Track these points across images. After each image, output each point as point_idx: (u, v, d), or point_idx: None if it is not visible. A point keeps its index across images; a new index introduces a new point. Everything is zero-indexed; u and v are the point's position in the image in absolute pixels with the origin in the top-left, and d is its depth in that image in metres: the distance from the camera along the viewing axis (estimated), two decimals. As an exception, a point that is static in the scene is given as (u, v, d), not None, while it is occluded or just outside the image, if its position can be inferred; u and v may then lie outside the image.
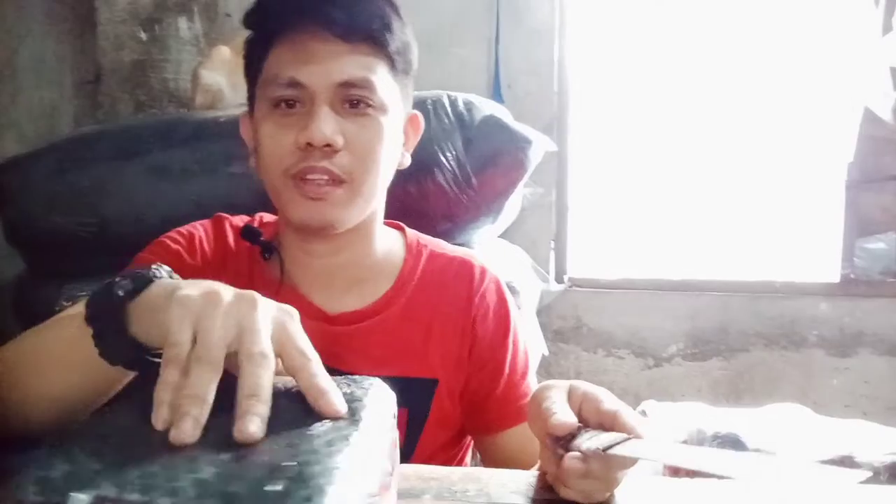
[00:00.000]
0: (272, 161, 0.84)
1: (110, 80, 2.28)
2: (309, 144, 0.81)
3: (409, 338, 0.92)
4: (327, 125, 0.81)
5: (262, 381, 0.47)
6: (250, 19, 0.88)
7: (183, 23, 2.27)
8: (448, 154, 1.45)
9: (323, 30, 0.82)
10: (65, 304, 1.51)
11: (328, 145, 0.81)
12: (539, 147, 1.61)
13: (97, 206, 1.50)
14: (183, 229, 0.95)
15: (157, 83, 2.28)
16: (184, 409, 0.46)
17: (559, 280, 2.24)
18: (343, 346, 0.88)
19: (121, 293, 0.58)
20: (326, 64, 0.82)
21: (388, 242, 0.95)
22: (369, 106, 0.83)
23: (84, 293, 1.58)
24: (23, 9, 2.09)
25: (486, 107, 1.56)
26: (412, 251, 0.96)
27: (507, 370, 0.93)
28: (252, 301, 0.52)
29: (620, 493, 0.62)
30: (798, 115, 2.26)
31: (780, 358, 2.15)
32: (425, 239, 0.99)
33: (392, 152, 0.88)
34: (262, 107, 0.85)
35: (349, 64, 0.82)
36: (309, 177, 0.83)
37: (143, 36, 2.27)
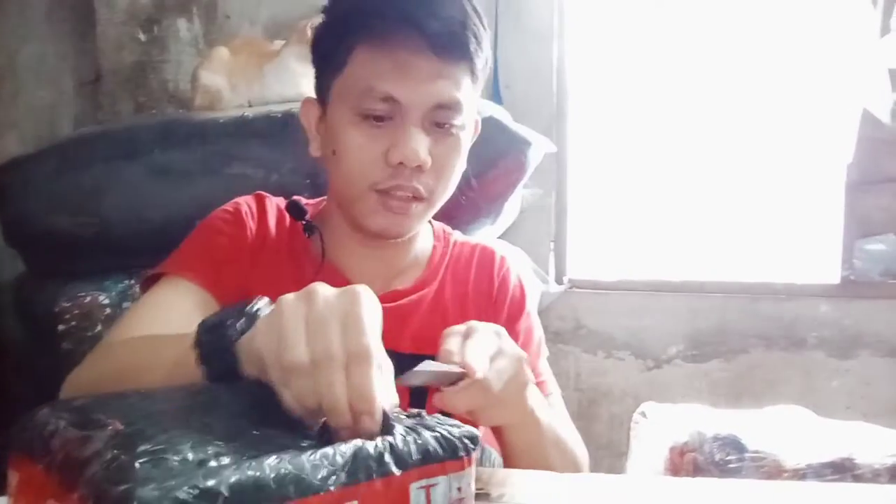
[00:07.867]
0: (357, 173, 0.85)
1: (110, 80, 2.28)
2: (401, 163, 0.82)
3: (446, 317, 0.94)
4: (422, 147, 0.82)
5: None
6: (335, 6, 0.87)
7: (182, 24, 2.27)
8: (448, 155, 1.45)
9: (422, 44, 0.80)
10: (64, 304, 1.51)
11: (419, 166, 0.83)
12: (538, 148, 1.61)
13: (97, 206, 1.50)
14: (229, 206, 0.95)
15: (156, 84, 2.28)
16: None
17: (559, 281, 2.24)
18: (384, 324, 0.90)
19: (233, 336, 0.57)
20: (424, 84, 0.81)
21: (421, 231, 0.99)
22: (454, 126, 0.85)
23: (83, 293, 1.57)
24: (23, 9, 2.09)
25: (486, 108, 1.56)
26: (439, 238, 1.01)
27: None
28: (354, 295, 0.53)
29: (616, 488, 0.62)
30: (797, 116, 2.26)
31: (780, 359, 2.15)
32: (448, 228, 1.04)
33: (464, 162, 0.90)
34: (346, 112, 0.84)
35: (444, 85, 0.82)
36: (395, 193, 0.84)
37: (143, 37, 2.27)
